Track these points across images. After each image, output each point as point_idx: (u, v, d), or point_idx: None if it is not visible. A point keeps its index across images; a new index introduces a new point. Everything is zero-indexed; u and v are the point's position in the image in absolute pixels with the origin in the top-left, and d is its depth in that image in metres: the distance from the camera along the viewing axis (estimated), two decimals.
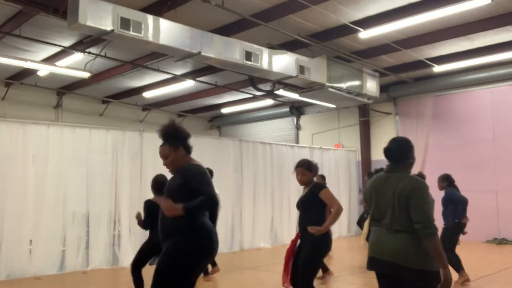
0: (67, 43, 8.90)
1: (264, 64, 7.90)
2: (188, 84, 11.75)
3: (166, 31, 6.54)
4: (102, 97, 13.93)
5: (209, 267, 6.74)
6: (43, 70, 10.08)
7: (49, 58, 9.70)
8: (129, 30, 6.07)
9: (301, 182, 4.48)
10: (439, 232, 2.96)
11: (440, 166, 9.62)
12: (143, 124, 14.47)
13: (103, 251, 7.72)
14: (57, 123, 11.22)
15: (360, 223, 10.73)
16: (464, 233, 6.36)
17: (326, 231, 4.18)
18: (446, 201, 6.34)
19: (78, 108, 13.61)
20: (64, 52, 9.22)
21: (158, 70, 10.45)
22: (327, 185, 5.17)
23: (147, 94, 12.83)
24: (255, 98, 13.46)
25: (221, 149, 9.95)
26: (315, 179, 4.60)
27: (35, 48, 9.18)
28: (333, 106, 11.70)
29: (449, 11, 7.12)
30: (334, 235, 8.36)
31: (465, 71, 10.85)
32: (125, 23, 6.01)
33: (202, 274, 6.45)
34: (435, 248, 2.70)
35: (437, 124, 11.71)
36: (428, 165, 11.05)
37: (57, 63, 9.41)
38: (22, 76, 11.29)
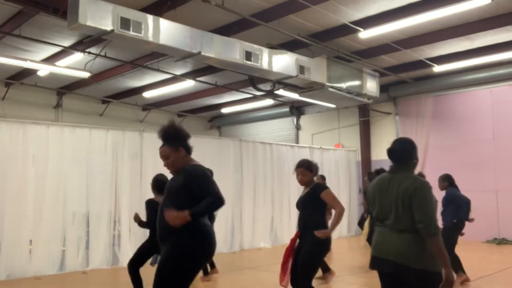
0: (67, 43, 8.90)
1: (264, 64, 7.89)
2: (188, 84, 11.74)
3: (166, 31, 6.53)
4: (102, 97, 13.93)
5: (208, 267, 6.73)
6: (43, 70, 10.08)
7: (49, 58, 9.70)
8: (129, 30, 6.07)
9: (301, 182, 4.49)
10: None
11: (440, 166, 9.62)
12: (143, 124, 14.47)
13: (103, 251, 7.72)
14: (57, 123, 11.21)
15: (360, 224, 10.72)
16: (461, 234, 6.36)
17: None
18: (447, 201, 6.34)
19: (78, 108, 13.61)
20: (64, 52, 9.22)
21: (158, 70, 10.45)
22: (327, 185, 5.16)
23: (147, 94, 12.83)
24: (255, 98, 13.46)
25: (221, 149, 9.95)
26: (315, 179, 4.60)
27: (35, 48, 9.18)
28: (333, 106, 11.70)
29: (449, 11, 7.12)
30: (334, 235, 8.34)
31: (465, 71, 10.84)
32: (125, 23, 6.01)
33: (202, 274, 6.45)
34: (437, 248, 2.71)
35: (437, 124, 11.71)
36: (428, 165, 11.04)
37: (57, 63, 9.41)
38: (22, 76, 11.29)
